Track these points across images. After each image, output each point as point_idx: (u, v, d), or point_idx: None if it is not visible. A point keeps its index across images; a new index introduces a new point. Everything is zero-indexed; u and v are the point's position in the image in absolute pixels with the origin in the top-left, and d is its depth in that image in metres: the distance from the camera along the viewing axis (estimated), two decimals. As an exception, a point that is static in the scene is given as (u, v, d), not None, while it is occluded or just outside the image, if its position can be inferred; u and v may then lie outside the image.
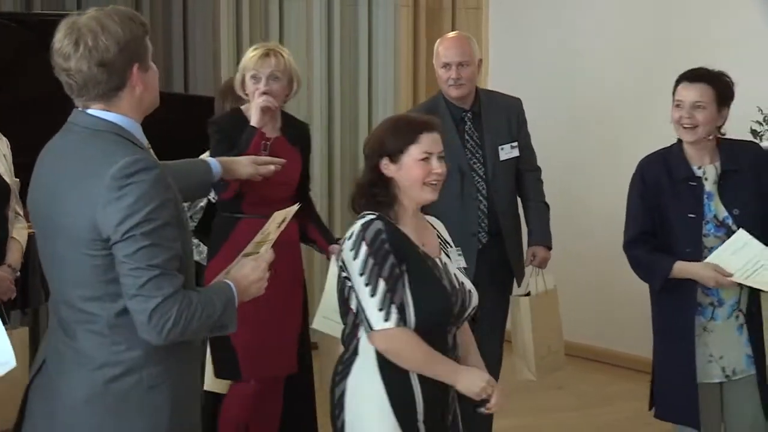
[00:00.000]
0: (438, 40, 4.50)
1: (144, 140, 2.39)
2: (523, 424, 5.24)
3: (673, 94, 3.65)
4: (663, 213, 3.61)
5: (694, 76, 3.63)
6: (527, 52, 6.88)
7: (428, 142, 2.81)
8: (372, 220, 2.78)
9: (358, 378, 2.79)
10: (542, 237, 4.44)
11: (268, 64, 3.90)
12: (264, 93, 3.86)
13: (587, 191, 6.48)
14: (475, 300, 2.90)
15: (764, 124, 5.09)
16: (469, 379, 2.75)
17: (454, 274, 2.89)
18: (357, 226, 2.78)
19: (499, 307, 4.39)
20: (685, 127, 3.59)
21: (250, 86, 3.92)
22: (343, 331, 2.88)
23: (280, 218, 2.69)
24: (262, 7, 6.46)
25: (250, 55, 3.97)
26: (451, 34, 4.57)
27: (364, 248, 2.72)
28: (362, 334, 2.79)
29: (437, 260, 2.86)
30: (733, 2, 5.88)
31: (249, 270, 2.46)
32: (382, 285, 2.70)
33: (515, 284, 4.54)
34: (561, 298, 4.51)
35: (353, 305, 2.79)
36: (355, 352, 2.81)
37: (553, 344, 4.43)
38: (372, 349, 2.77)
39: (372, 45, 6.80)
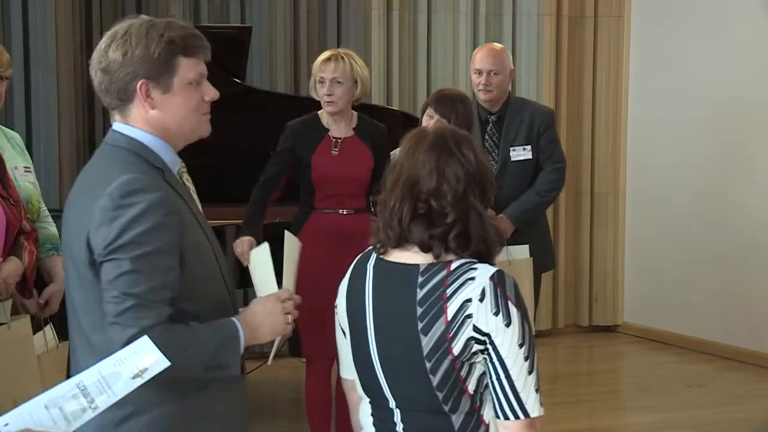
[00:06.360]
0: (476, 49, 4.88)
1: (173, 164, 2.22)
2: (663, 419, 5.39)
3: None
4: None
5: None
6: (668, 61, 6.95)
7: None
8: (497, 268, 2.14)
9: None
10: (512, 212, 4.59)
11: (330, 68, 4.18)
12: (329, 96, 4.16)
13: (731, 196, 6.56)
14: None
15: None
16: None
17: None
18: (482, 279, 2.11)
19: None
20: None
21: (319, 90, 4.22)
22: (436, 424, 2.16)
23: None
24: (411, 20, 6.81)
25: (317, 59, 4.27)
26: (488, 45, 4.93)
27: (513, 309, 2.09)
28: (492, 423, 2.15)
29: None
30: None
31: (258, 306, 2.25)
32: (536, 356, 2.11)
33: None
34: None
35: (472, 386, 2.13)
36: None
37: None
38: None
39: (516, 54, 7.01)
